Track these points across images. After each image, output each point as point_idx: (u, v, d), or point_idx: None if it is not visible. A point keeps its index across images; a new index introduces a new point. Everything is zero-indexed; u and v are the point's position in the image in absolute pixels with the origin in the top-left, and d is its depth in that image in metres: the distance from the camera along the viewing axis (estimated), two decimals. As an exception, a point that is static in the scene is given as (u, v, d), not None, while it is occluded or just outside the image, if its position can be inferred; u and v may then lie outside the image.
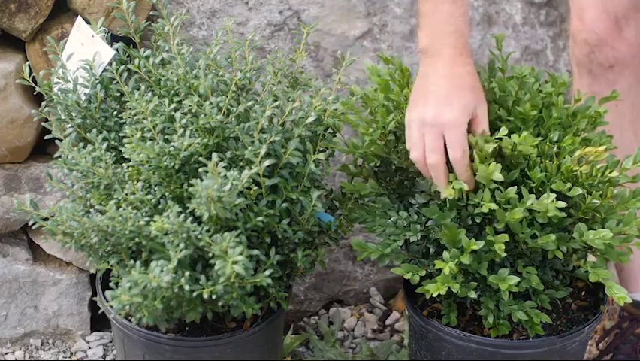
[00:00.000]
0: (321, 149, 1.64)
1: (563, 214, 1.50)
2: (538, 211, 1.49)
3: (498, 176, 1.48)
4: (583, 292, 1.76)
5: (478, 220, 1.55)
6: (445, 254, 1.54)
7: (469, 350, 1.62)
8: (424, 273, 1.60)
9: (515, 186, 1.50)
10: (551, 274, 1.65)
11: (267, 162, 1.52)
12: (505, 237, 1.51)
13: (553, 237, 1.49)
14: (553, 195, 1.47)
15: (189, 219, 1.48)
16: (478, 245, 1.52)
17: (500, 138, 1.52)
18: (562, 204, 1.46)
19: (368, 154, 1.66)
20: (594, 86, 1.80)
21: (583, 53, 1.80)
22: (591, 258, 1.60)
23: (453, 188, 1.52)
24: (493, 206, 1.48)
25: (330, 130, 1.67)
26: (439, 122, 1.51)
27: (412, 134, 1.54)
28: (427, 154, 1.52)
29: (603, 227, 1.53)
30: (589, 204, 1.52)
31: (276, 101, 1.59)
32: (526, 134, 1.51)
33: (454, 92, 1.52)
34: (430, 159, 1.52)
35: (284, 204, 1.59)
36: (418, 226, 1.61)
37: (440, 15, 1.53)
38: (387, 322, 2.17)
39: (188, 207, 1.50)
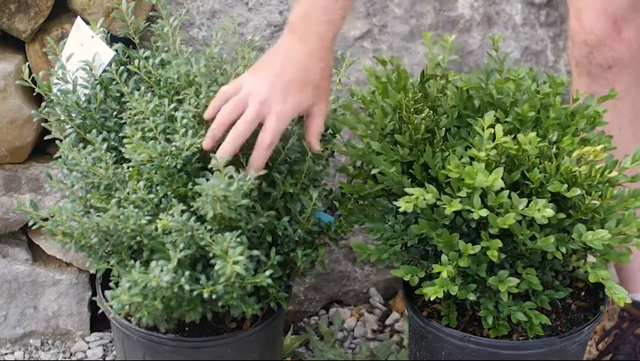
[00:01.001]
0: (321, 149, 1.64)
1: (562, 215, 1.50)
2: (523, 216, 1.49)
3: (500, 183, 1.48)
4: (582, 293, 1.76)
5: (473, 225, 1.55)
6: (444, 257, 1.54)
7: (469, 350, 1.63)
8: (423, 274, 1.60)
9: (507, 191, 1.49)
10: (551, 274, 1.65)
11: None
12: (499, 243, 1.51)
13: (552, 239, 1.49)
14: (543, 202, 1.47)
15: (192, 218, 1.48)
16: (475, 249, 1.52)
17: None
18: (550, 212, 1.46)
19: (366, 155, 1.66)
20: (593, 86, 1.80)
21: (582, 54, 1.80)
22: (591, 258, 1.60)
23: (411, 201, 1.50)
24: (484, 213, 1.48)
25: (330, 131, 1.67)
26: (268, 105, 1.48)
27: (240, 94, 1.50)
28: (241, 120, 1.49)
29: (602, 227, 1.53)
30: (588, 204, 1.52)
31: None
32: (532, 135, 1.50)
33: (297, 84, 1.50)
34: (239, 127, 1.49)
35: (282, 201, 1.59)
36: (414, 229, 1.61)
37: (319, 0, 1.51)
38: (387, 322, 2.17)
39: (190, 206, 1.50)
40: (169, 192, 1.56)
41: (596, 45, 1.77)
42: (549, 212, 1.46)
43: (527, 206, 1.48)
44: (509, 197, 1.49)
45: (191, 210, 1.50)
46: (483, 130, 1.53)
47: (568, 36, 1.87)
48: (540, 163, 1.54)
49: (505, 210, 1.49)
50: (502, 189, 1.49)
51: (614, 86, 1.76)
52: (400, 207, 1.50)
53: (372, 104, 1.66)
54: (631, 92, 1.81)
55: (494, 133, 1.52)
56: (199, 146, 1.52)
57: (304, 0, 1.53)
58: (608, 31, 1.76)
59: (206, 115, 1.53)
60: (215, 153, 1.49)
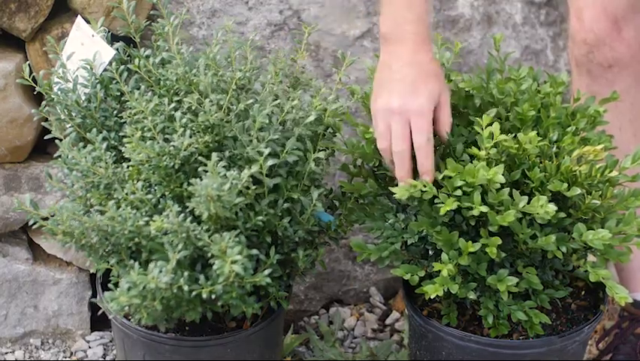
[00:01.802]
0: (321, 148, 1.64)
1: (562, 214, 1.50)
2: (537, 213, 1.49)
3: (501, 178, 1.48)
4: (583, 292, 1.76)
5: (472, 223, 1.55)
6: (444, 256, 1.54)
7: (469, 349, 1.63)
8: (423, 273, 1.60)
9: (508, 188, 1.49)
10: (551, 274, 1.64)
11: (270, 162, 1.52)
12: (498, 240, 1.51)
13: (553, 238, 1.49)
14: (544, 198, 1.47)
15: (189, 218, 1.48)
16: (475, 247, 1.52)
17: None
18: (552, 208, 1.46)
19: (367, 154, 1.66)
20: (593, 86, 1.80)
21: (582, 53, 1.80)
22: (591, 258, 1.60)
23: (406, 189, 1.51)
24: (484, 209, 1.48)
25: (330, 130, 1.67)
26: (406, 110, 1.51)
27: (379, 124, 1.54)
28: (393, 142, 1.52)
29: (603, 227, 1.53)
30: (588, 204, 1.52)
31: (276, 100, 1.59)
32: (532, 134, 1.51)
33: (419, 79, 1.52)
34: (397, 147, 1.52)
35: (285, 204, 1.59)
36: (413, 226, 1.61)
37: (400, 1, 1.53)
38: (387, 321, 2.17)
39: (187, 207, 1.50)
40: (166, 193, 1.56)
41: (596, 44, 1.77)
42: (551, 207, 1.46)
43: (529, 203, 1.48)
44: (510, 195, 1.49)
45: (188, 210, 1.50)
46: (482, 129, 1.53)
47: (568, 35, 1.87)
48: (540, 162, 1.54)
49: (505, 207, 1.49)
50: (502, 185, 1.49)
51: (615, 86, 1.76)
52: (394, 196, 1.50)
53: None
54: (631, 92, 1.81)
55: (493, 132, 1.52)
56: (197, 146, 1.52)
57: (386, 11, 1.55)
58: (608, 30, 1.76)
59: (389, 165, 1.57)
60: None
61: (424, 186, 1.51)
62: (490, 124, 1.52)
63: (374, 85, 1.58)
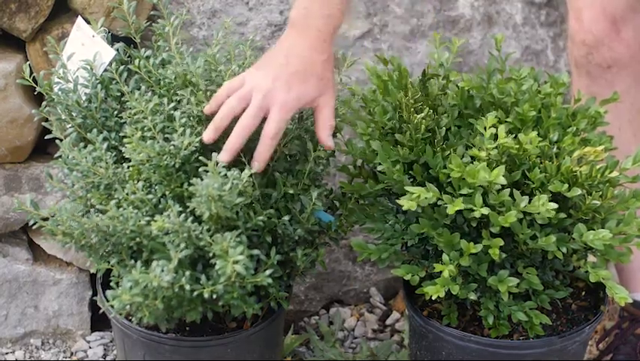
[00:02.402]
0: (321, 148, 1.64)
1: (562, 215, 1.50)
2: (538, 213, 1.49)
3: (502, 180, 1.48)
4: (583, 293, 1.76)
5: (474, 225, 1.56)
6: (445, 257, 1.54)
7: (469, 350, 1.63)
8: (423, 274, 1.60)
9: (509, 189, 1.49)
10: (551, 274, 1.65)
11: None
12: (500, 241, 1.51)
13: (553, 238, 1.49)
14: (545, 197, 1.47)
15: (190, 218, 1.48)
16: (477, 248, 1.52)
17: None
18: (553, 206, 1.46)
19: (367, 154, 1.66)
20: (593, 86, 1.80)
21: (581, 54, 1.80)
22: (591, 258, 1.60)
23: (414, 200, 1.51)
24: (485, 211, 1.48)
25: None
26: (271, 96, 1.50)
27: (244, 88, 1.52)
28: (245, 113, 1.50)
29: (603, 227, 1.53)
30: (589, 204, 1.52)
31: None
32: (534, 134, 1.51)
33: (300, 75, 1.51)
34: (244, 120, 1.50)
35: (282, 201, 1.59)
36: (414, 228, 1.61)
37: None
38: (388, 322, 2.17)
39: (188, 207, 1.50)
40: (167, 192, 1.56)
41: (595, 45, 1.78)
42: (552, 206, 1.46)
43: (530, 203, 1.48)
44: (511, 195, 1.49)
45: (189, 210, 1.50)
46: (485, 130, 1.53)
47: (567, 36, 1.87)
48: (541, 163, 1.54)
49: (506, 208, 1.49)
50: (502, 187, 1.49)
51: (614, 87, 1.76)
52: (402, 206, 1.50)
53: (372, 102, 1.67)
54: (630, 93, 1.81)
55: (496, 133, 1.52)
56: (198, 144, 1.52)
57: None
58: (607, 31, 1.76)
59: (207, 109, 1.54)
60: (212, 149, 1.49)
61: (427, 192, 1.50)
62: (494, 125, 1.53)
63: (263, 56, 1.57)
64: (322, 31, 1.53)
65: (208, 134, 1.51)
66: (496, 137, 1.52)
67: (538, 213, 1.48)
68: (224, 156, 1.49)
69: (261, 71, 1.53)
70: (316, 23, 1.53)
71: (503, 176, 1.48)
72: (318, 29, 1.53)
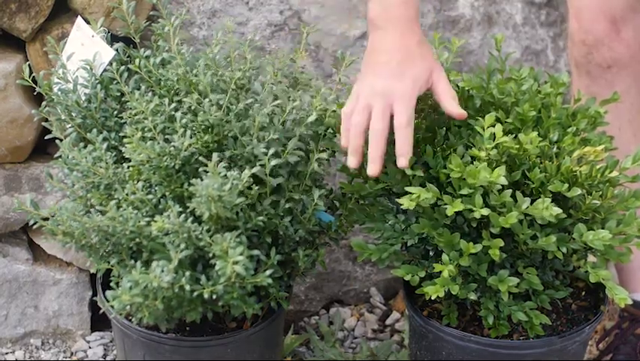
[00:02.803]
0: (322, 149, 1.64)
1: (562, 215, 1.50)
2: (525, 215, 1.49)
3: (503, 180, 1.47)
4: (583, 293, 1.76)
5: (474, 225, 1.56)
6: (444, 257, 1.54)
7: (469, 350, 1.63)
8: (423, 274, 1.60)
9: (510, 190, 1.49)
10: (551, 274, 1.65)
11: (274, 161, 1.52)
12: (500, 242, 1.51)
13: (554, 238, 1.49)
14: (548, 200, 1.47)
15: (190, 219, 1.48)
16: (477, 248, 1.52)
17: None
18: (556, 210, 1.46)
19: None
20: (593, 87, 1.80)
21: (581, 54, 1.80)
22: (591, 258, 1.60)
23: (414, 199, 1.50)
24: (485, 212, 1.48)
25: (330, 130, 1.67)
26: (390, 93, 1.50)
27: (360, 101, 1.52)
28: (373, 119, 1.51)
29: (603, 227, 1.53)
30: (589, 204, 1.52)
31: (276, 100, 1.59)
32: (534, 134, 1.51)
33: (405, 63, 1.52)
34: (376, 124, 1.50)
35: (287, 204, 1.59)
36: (415, 228, 1.61)
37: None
38: (388, 322, 2.17)
39: (188, 207, 1.50)
40: (167, 193, 1.56)
41: (594, 45, 1.78)
42: (556, 210, 1.46)
43: (532, 204, 1.48)
44: (512, 196, 1.49)
45: (189, 210, 1.50)
46: (483, 130, 1.53)
47: (567, 36, 1.87)
48: (541, 163, 1.54)
49: (507, 209, 1.49)
50: (503, 187, 1.49)
51: (614, 87, 1.76)
52: (401, 206, 1.50)
53: None
54: (630, 93, 1.81)
55: (494, 133, 1.52)
56: (198, 146, 1.52)
57: None
58: (607, 31, 1.76)
59: (344, 143, 1.54)
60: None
61: (427, 192, 1.50)
62: (492, 125, 1.52)
63: (361, 69, 1.57)
64: (405, 17, 1.54)
65: (352, 161, 1.52)
66: (494, 137, 1.52)
67: (540, 216, 1.48)
68: (372, 169, 1.51)
69: (366, 78, 1.54)
70: (396, 13, 1.54)
71: (504, 176, 1.48)
72: (401, 17, 1.54)
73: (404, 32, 1.54)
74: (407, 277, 1.60)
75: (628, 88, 1.80)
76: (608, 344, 1.98)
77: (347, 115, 1.54)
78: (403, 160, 1.50)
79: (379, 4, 1.55)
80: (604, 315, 1.79)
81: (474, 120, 1.59)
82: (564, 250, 1.53)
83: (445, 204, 1.50)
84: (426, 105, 1.62)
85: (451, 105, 1.54)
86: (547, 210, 1.46)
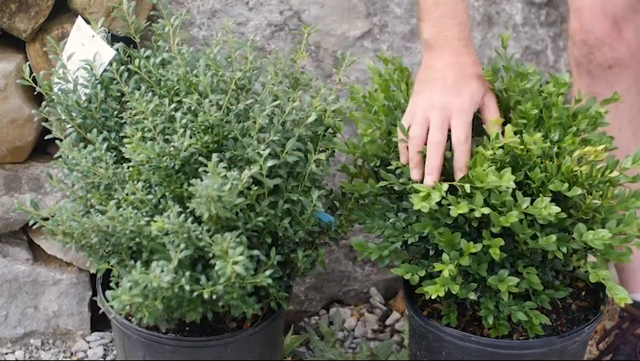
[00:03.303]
0: (321, 149, 1.64)
1: (563, 215, 1.50)
2: (525, 215, 1.49)
3: (512, 183, 1.48)
4: (583, 293, 1.76)
5: (474, 225, 1.56)
6: (445, 256, 1.54)
7: (469, 350, 1.63)
8: (423, 273, 1.60)
9: (511, 190, 1.49)
10: (551, 274, 1.65)
11: (270, 162, 1.52)
12: (501, 241, 1.51)
13: (554, 238, 1.49)
14: (547, 200, 1.47)
15: (190, 219, 1.48)
16: (477, 248, 1.52)
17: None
18: (556, 210, 1.46)
19: (368, 154, 1.66)
20: (593, 87, 1.80)
21: (582, 54, 1.80)
22: (590, 258, 1.60)
23: (424, 200, 1.51)
24: (486, 211, 1.48)
25: (330, 130, 1.67)
26: (447, 107, 1.53)
27: (417, 114, 1.55)
28: (430, 132, 1.53)
29: (603, 227, 1.53)
30: (589, 204, 1.52)
31: (276, 100, 1.59)
32: (538, 135, 1.51)
33: (461, 79, 1.55)
34: (434, 137, 1.53)
35: (285, 205, 1.59)
36: (416, 228, 1.61)
37: (444, 9, 1.57)
38: (388, 322, 2.17)
39: (188, 207, 1.50)
40: (167, 193, 1.56)
41: (595, 45, 1.77)
42: (555, 209, 1.46)
43: (532, 204, 1.48)
44: (513, 196, 1.49)
45: (189, 211, 1.50)
46: (491, 130, 1.53)
47: (568, 36, 1.87)
48: (541, 162, 1.54)
49: (508, 208, 1.49)
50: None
51: (615, 87, 1.76)
52: (403, 205, 1.50)
53: (375, 102, 1.66)
54: (631, 93, 1.81)
55: (501, 132, 1.52)
56: (198, 146, 1.52)
57: (429, 18, 1.59)
58: (608, 30, 1.76)
59: (403, 160, 1.57)
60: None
61: (436, 190, 1.50)
62: (502, 124, 1.53)
63: (415, 84, 1.60)
64: (460, 38, 1.58)
65: (414, 174, 1.55)
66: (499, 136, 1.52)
67: (540, 215, 1.48)
68: (429, 180, 1.52)
69: (423, 94, 1.57)
70: (452, 34, 1.58)
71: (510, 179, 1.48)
72: (456, 38, 1.57)
73: (459, 52, 1.57)
74: (407, 277, 1.60)
75: (628, 88, 1.80)
76: (608, 345, 1.98)
77: (412, 135, 1.56)
78: (459, 173, 1.53)
79: (434, 27, 1.58)
80: (604, 315, 1.79)
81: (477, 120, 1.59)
82: (564, 249, 1.53)
83: (449, 205, 1.50)
84: None
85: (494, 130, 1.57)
86: (546, 209, 1.46)
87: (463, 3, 1.58)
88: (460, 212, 1.49)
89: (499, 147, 1.52)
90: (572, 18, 1.81)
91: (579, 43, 1.80)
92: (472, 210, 1.49)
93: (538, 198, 1.49)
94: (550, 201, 1.49)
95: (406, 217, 1.63)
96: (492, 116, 1.57)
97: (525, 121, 1.58)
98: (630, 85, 1.81)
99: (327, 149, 1.67)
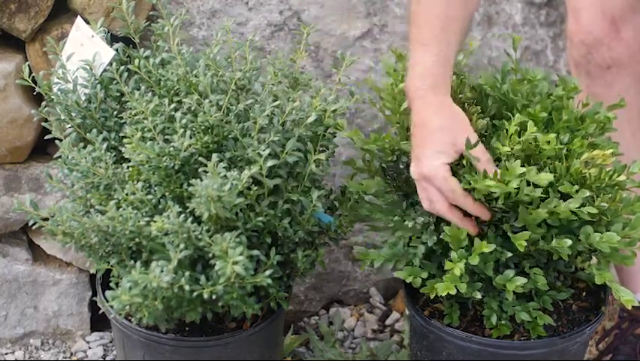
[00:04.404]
0: (321, 149, 1.64)
1: (572, 217, 1.50)
2: (551, 213, 1.48)
3: (544, 182, 1.48)
4: (584, 294, 1.76)
5: (495, 219, 1.56)
6: (453, 254, 1.54)
7: (471, 350, 1.63)
8: (426, 275, 1.60)
9: (541, 188, 1.49)
10: (554, 275, 1.65)
11: (270, 163, 1.52)
12: (527, 235, 1.50)
13: (569, 242, 1.49)
14: (580, 201, 1.47)
15: (189, 219, 1.48)
16: (490, 247, 1.51)
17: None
18: (549, 177, 1.46)
19: (385, 148, 1.65)
20: (592, 87, 1.80)
21: (580, 54, 1.80)
22: (592, 260, 1.60)
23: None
24: (492, 183, 1.47)
25: (330, 130, 1.67)
26: (423, 177, 1.53)
27: (420, 190, 1.56)
28: (433, 206, 1.54)
29: (608, 230, 1.53)
30: (597, 206, 1.51)
31: (276, 100, 1.59)
32: (552, 136, 1.50)
33: (425, 140, 1.52)
34: (435, 210, 1.54)
35: (285, 205, 1.59)
36: (432, 228, 1.61)
37: (416, 69, 1.54)
38: (388, 322, 2.17)
39: (188, 207, 1.50)
40: (167, 193, 1.56)
41: (594, 45, 1.77)
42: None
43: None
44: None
45: (188, 211, 1.50)
46: (509, 127, 1.53)
47: (566, 36, 1.87)
48: (551, 163, 1.54)
49: (535, 205, 1.49)
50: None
51: (614, 87, 1.76)
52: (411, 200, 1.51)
53: (393, 99, 1.66)
54: (630, 93, 1.81)
55: (519, 130, 1.52)
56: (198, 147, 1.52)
57: (407, 73, 1.56)
58: (606, 30, 1.76)
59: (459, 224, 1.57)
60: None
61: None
62: (521, 122, 1.53)
63: (414, 147, 1.57)
64: (429, 89, 1.53)
65: (471, 231, 1.55)
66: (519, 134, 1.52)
67: (557, 213, 1.48)
68: (471, 232, 1.55)
69: (412, 162, 1.55)
70: (445, 82, 1.54)
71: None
72: (448, 87, 1.54)
73: (423, 107, 1.53)
74: (409, 280, 1.60)
75: (627, 88, 1.80)
76: (608, 345, 1.98)
77: (427, 210, 1.58)
78: (484, 217, 1.54)
79: (430, 75, 1.53)
80: (604, 316, 1.79)
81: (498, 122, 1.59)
82: (569, 251, 1.53)
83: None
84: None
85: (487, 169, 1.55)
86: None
87: (447, 51, 1.54)
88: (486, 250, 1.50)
89: (517, 143, 1.51)
90: (569, 18, 1.81)
91: (577, 44, 1.80)
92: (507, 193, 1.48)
93: (569, 198, 1.49)
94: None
95: (427, 221, 1.62)
96: (479, 155, 1.53)
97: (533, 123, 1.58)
98: (629, 85, 1.81)
99: (327, 149, 1.66)
